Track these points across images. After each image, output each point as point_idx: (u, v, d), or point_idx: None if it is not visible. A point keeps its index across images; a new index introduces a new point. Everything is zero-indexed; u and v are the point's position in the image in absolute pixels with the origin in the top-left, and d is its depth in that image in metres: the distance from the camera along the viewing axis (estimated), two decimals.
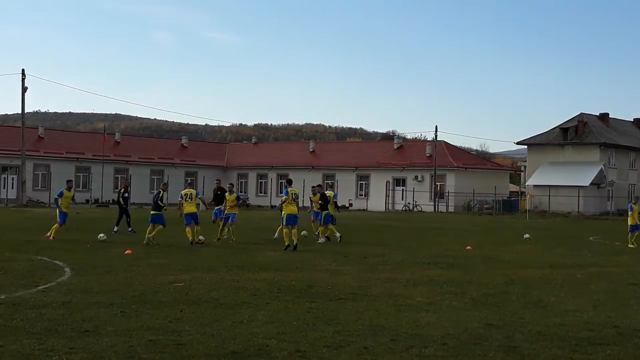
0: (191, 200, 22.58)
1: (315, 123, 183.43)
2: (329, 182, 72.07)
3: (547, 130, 71.64)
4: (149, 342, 8.43)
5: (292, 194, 21.31)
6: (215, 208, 25.34)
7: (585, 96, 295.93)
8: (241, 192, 75.81)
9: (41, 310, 10.30)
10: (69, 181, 25.51)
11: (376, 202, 69.41)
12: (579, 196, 62.16)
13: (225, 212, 23.74)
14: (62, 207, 23.91)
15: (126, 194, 28.75)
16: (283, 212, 21.43)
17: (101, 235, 23.07)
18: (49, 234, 23.41)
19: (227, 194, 24.19)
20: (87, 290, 12.40)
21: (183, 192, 22.97)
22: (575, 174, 64.37)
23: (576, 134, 68.23)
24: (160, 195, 22.98)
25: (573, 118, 70.30)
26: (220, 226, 24.01)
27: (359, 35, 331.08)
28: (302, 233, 24.27)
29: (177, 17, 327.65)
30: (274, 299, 11.85)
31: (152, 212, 22.76)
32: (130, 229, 27.00)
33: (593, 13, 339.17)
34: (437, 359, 7.97)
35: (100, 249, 20.31)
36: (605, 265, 18.81)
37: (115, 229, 26.96)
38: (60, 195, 24.14)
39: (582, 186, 63.20)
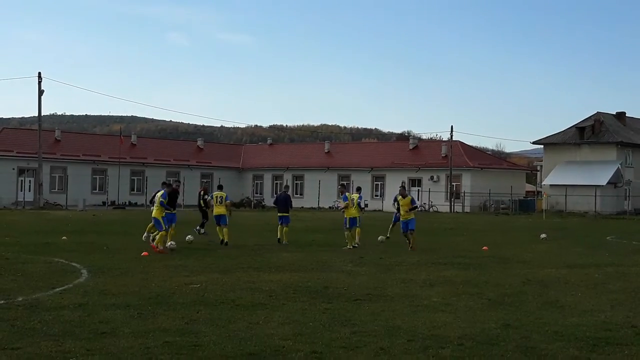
0: (221, 203, 23.60)
1: (330, 124, 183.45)
2: (345, 182, 72.03)
3: (563, 129, 71.32)
4: (165, 343, 8.46)
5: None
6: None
7: (602, 95, 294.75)
8: (257, 193, 76.00)
9: (58, 312, 10.36)
10: (169, 184, 23.45)
11: (392, 202, 69.12)
12: (595, 195, 61.76)
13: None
14: (159, 212, 20.82)
15: (206, 196, 28.82)
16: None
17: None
18: (155, 245, 20.23)
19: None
20: (104, 292, 12.46)
21: (215, 194, 24.21)
22: (592, 173, 64.00)
23: (593, 133, 67.85)
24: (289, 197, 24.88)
25: (589, 117, 69.91)
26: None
27: (374, 36, 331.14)
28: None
29: (191, 19, 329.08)
30: (290, 300, 11.86)
31: (280, 215, 24.42)
32: (203, 231, 27.32)
33: (609, 12, 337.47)
34: (453, 359, 7.94)
35: (116, 251, 20.38)
36: (622, 264, 18.68)
37: (202, 231, 27.36)
38: (165, 197, 21.15)
39: (598, 185, 62.79)
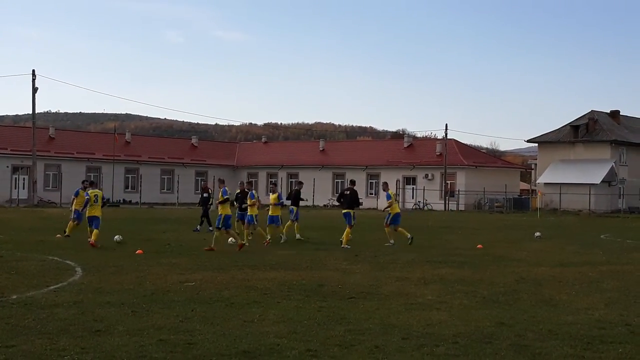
0: (96, 203, 21.68)
1: (325, 122, 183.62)
2: (339, 180, 72.23)
3: (557, 127, 71.35)
4: (159, 341, 8.45)
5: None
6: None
7: (596, 93, 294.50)
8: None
9: (53, 310, 10.34)
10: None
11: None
12: (590, 194, 61.89)
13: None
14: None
15: (205, 194, 29.25)
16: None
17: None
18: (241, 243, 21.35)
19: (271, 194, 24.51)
20: (98, 290, 12.44)
21: (91, 192, 21.97)
22: (586, 171, 64.12)
23: (587, 131, 67.96)
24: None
25: (584, 115, 70.01)
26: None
27: (369, 34, 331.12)
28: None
29: (186, 16, 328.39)
30: (284, 298, 11.86)
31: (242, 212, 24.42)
32: (210, 228, 27.12)
33: (603, 10, 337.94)
34: (448, 357, 7.95)
35: (111, 248, 20.35)
36: (616, 263, 18.73)
37: (210, 228, 27.15)
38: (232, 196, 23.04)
39: (593, 184, 62.94)
